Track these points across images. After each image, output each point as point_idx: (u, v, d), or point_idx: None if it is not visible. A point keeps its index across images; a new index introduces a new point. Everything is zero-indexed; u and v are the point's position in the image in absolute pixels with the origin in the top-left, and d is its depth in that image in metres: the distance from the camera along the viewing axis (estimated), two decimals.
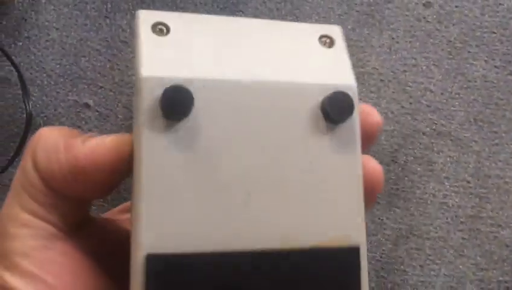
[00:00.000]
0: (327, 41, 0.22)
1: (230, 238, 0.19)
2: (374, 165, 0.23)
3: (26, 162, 0.23)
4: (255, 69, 0.21)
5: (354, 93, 0.21)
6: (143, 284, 0.18)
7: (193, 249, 0.19)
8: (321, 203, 0.20)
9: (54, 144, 0.22)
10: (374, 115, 0.23)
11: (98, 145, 0.21)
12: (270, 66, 0.21)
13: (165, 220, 0.19)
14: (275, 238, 0.20)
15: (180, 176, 0.19)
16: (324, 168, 0.21)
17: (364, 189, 0.21)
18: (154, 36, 0.20)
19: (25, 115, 0.40)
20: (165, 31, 0.20)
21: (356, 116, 0.21)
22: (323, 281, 0.20)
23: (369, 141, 0.23)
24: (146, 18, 0.20)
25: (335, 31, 0.23)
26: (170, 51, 0.20)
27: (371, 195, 0.22)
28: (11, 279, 0.22)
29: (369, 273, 0.36)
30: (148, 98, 0.19)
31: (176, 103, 0.18)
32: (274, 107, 0.20)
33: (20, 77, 0.40)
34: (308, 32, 0.22)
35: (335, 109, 0.20)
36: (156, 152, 0.19)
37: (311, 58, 0.22)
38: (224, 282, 0.19)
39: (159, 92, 0.19)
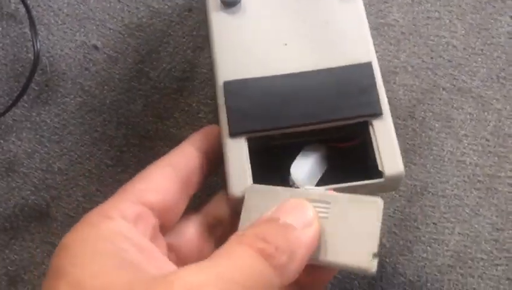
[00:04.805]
0: None
1: (276, 67, 0.29)
2: None
3: None
4: None
5: None
6: (224, 100, 0.29)
7: (251, 76, 0.29)
8: (339, 41, 0.30)
9: None
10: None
11: None
12: None
13: (231, 61, 0.30)
14: (306, 65, 0.29)
15: (234, 34, 0.30)
16: (336, 20, 0.30)
17: None
18: None
19: (30, 55, 0.38)
20: None
21: None
22: (348, 85, 0.28)
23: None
24: None
25: None
26: None
27: None
28: None
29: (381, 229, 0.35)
30: None
31: None
32: None
33: (29, 14, 0.38)
34: None
35: None
36: (219, 22, 0.31)
37: None
38: (273, 90, 0.28)
39: None
